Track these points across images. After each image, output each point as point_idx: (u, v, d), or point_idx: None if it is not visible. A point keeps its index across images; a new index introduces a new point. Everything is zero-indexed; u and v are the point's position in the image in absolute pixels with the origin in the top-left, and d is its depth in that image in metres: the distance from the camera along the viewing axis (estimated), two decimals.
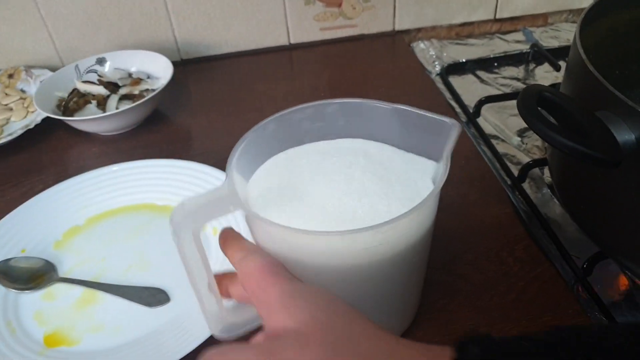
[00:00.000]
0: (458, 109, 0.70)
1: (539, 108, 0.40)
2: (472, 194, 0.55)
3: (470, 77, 0.77)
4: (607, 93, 0.39)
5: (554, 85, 0.70)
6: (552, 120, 0.40)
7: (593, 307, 0.46)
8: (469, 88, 0.75)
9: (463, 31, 0.87)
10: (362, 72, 0.78)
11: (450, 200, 0.54)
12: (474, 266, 0.48)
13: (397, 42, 0.84)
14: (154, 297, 0.46)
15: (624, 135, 0.38)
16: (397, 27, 0.85)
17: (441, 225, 0.51)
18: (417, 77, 0.75)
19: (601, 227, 0.46)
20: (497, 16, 0.86)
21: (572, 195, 0.50)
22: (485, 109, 0.69)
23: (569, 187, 0.50)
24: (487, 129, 0.67)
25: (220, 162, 0.62)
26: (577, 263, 0.49)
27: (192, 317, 0.44)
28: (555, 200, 0.56)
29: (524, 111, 0.37)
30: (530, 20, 0.88)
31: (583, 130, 0.37)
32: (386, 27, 0.84)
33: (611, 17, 0.55)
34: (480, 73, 0.78)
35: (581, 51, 0.44)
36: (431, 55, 0.81)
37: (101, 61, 0.74)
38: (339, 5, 0.81)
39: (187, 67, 0.82)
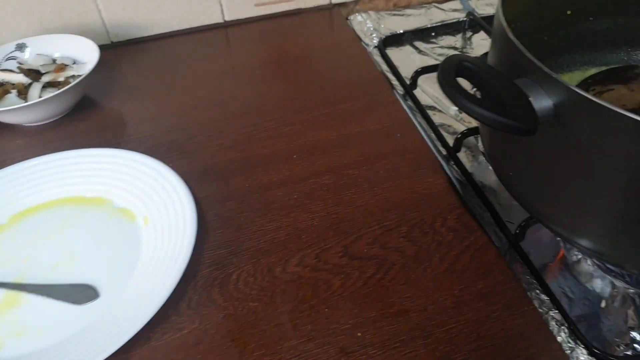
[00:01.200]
0: (395, 81, 0.70)
1: (463, 78, 0.40)
2: (404, 167, 0.55)
3: (408, 49, 0.77)
4: (525, 60, 0.39)
5: (487, 54, 0.71)
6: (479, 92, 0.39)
7: (525, 272, 0.47)
8: (407, 59, 0.75)
9: (401, 2, 0.86)
10: (299, 47, 0.76)
11: (384, 174, 0.54)
12: (407, 238, 0.48)
13: (335, 15, 0.82)
14: (81, 293, 0.45)
15: (541, 102, 0.38)
16: (334, 0, 0.83)
17: (374, 199, 0.52)
18: (354, 51, 0.74)
19: (528, 192, 0.46)
20: None
21: (500, 161, 0.50)
22: (422, 80, 0.69)
23: (497, 154, 0.50)
24: (425, 100, 0.67)
25: (153, 148, 0.60)
26: (510, 229, 0.50)
27: (123, 310, 0.43)
28: (490, 167, 0.57)
29: (442, 81, 0.36)
30: None
31: (501, 99, 0.37)
32: (322, 0, 0.83)
33: None
34: (418, 44, 0.78)
35: (502, 19, 0.43)
36: (369, 27, 0.80)
37: (21, 47, 0.70)
38: None
39: (117, 50, 0.78)
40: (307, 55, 0.74)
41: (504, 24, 0.43)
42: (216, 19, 0.81)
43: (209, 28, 0.81)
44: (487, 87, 0.39)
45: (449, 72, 0.37)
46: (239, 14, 0.81)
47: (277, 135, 0.60)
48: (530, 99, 0.38)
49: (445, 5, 0.84)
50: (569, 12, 0.60)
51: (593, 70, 0.63)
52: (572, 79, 0.63)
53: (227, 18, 0.81)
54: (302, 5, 0.83)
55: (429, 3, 0.85)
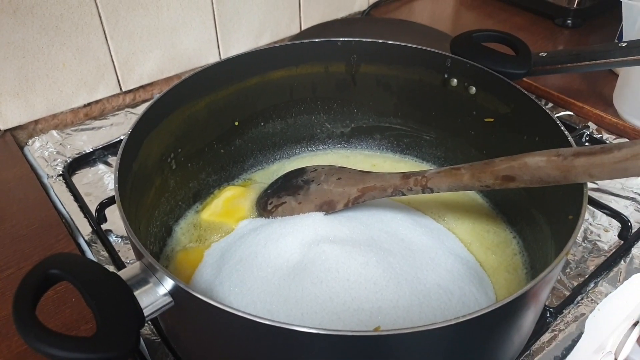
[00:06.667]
0: (81, 219, 0.61)
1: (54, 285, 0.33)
2: None
3: (100, 168, 0.69)
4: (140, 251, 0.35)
5: None
6: None
7: None
8: (100, 182, 0.67)
9: (93, 111, 0.78)
10: None
11: None
12: None
13: (8, 145, 0.71)
14: None
15: (156, 293, 0.34)
16: (3, 126, 0.71)
17: None
18: (27, 191, 0.63)
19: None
20: (124, 89, 0.79)
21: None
22: (112, 210, 0.62)
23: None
24: (121, 232, 0.60)
25: None
26: None
27: None
28: None
29: (15, 316, 0.29)
30: (165, 84, 0.84)
31: (102, 306, 0.32)
32: None
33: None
34: (112, 160, 0.71)
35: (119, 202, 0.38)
36: (51, 152, 0.70)
37: None
38: None
39: None
40: None
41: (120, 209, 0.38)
42: None
43: None
44: (89, 289, 0.33)
45: (23, 304, 0.30)
46: None
47: None
48: (135, 293, 0.33)
49: (139, 109, 0.79)
50: (236, 124, 0.59)
51: (286, 165, 0.64)
52: (263, 177, 0.62)
53: None
54: None
55: (123, 109, 0.79)
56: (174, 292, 0.33)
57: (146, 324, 0.48)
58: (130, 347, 0.30)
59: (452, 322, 0.29)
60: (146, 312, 0.33)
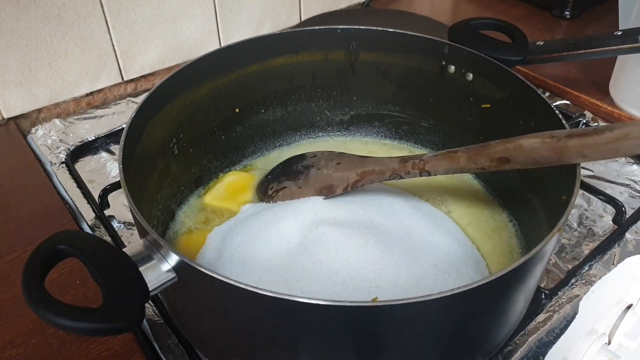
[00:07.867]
0: (84, 205, 0.62)
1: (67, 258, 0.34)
2: None
3: (103, 156, 0.70)
4: (144, 227, 0.36)
5: None
6: None
7: None
8: (102, 170, 0.68)
9: (95, 100, 0.79)
10: None
11: None
12: None
13: (12, 132, 0.72)
14: None
15: (160, 269, 0.35)
16: (6, 115, 0.72)
17: None
18: (31, 177, 0.64)
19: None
20: (125, 78, 0.80)
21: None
22: (115, 196, 0.62)
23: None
24: (124, 217, 0.61)
25: None
26: None
27: None
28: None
29: (25, 289, 0.30)
30: (166, 74, 0.84)
31: (108, 281, 0.33)
32: None
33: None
34: (115, 148, 0.71)
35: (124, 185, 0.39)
36: (54, 140, 0.71)
37: None
38: None
39: None
40: None
41: (126, 190, 0.39)
42: None
43: None
44: (95, 264, 0.34)
45: (32, 277, 0.31)
46: None
47: None
48: (140, 269, 0.34)
49: (140, 99, 0.80)
50: (237, 110, 0.60)
51: (286, 152, 0.64)
52: (265, 164, 0.63)
53: None
54: None
55: (124, 99, 0.80)
56: (178, 268, 0.34)
57: (149, 305, 0.50)
58: (136, 319, 0.31)
59: (448, 294, 0.30)
60: (151, 287, 0.34)
